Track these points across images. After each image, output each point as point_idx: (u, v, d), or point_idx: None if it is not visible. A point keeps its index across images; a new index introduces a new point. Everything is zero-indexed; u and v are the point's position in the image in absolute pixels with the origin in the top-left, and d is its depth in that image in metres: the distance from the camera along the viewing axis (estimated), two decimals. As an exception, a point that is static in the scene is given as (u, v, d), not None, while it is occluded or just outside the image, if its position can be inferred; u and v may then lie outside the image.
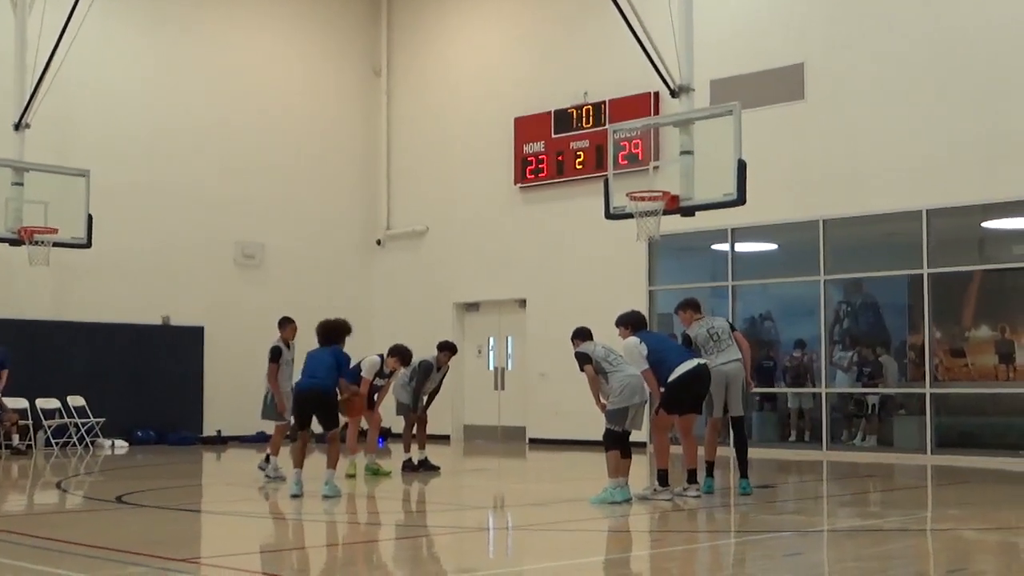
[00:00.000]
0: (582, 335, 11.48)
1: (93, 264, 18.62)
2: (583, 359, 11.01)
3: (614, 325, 11.80)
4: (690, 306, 12.21)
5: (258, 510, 11.59)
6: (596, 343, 11.31)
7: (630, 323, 11.65)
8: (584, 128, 20.71)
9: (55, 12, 17.07)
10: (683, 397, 11.31)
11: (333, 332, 12.21)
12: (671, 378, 11.17)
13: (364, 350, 24.15)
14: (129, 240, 20.12)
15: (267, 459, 13.49)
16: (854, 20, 17.86)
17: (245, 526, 10.45)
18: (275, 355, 13.52)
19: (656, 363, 11.20)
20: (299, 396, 12.01)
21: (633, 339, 11.36)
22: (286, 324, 13.88)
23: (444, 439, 21.06)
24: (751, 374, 12.26)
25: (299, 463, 11.71)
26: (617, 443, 10.97)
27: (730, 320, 15.12)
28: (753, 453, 18.17)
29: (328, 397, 11.83)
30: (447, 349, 15.03)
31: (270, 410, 13.62)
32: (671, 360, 11.27)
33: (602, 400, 11.00)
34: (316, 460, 12.50)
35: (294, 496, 11.46)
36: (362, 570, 8.02)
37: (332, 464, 11.74)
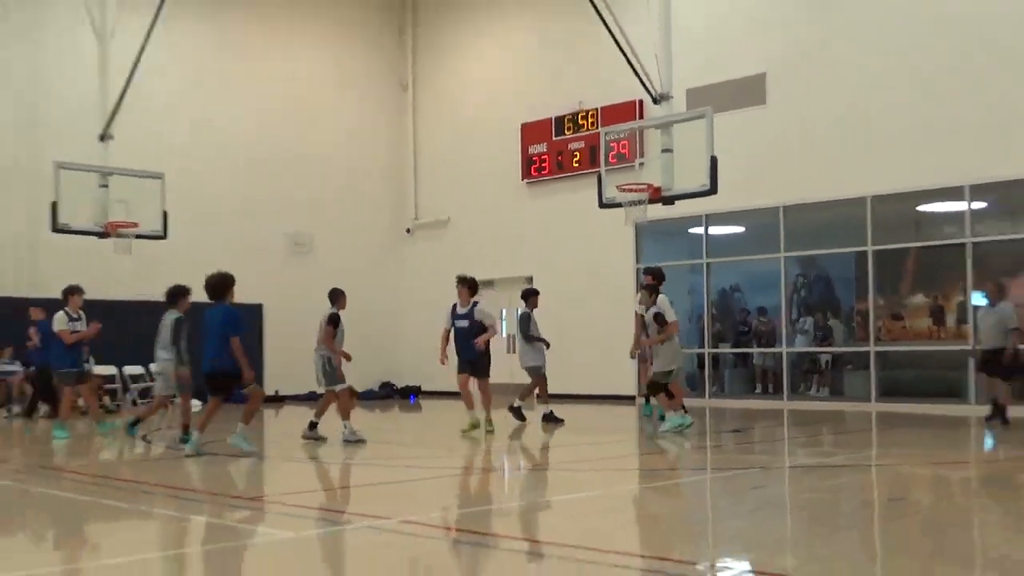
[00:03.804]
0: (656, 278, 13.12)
1: (169, 253, 18.68)
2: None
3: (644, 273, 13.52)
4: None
5: (309, 456, 11.62)
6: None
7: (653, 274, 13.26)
8: (580, 131, 20.73)
9: (132, 39, 17.11)
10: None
11: (223, 287, 11.13)
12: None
13: (397, 322, 24.25)
14: (198, 232, 20.17)
15: (347, 428, 11.93)
16: (807, 37, 17.82)
17: (300, 470, 10.53)
18: (334, 321, 12.21)
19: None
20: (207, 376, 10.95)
21: (664, 297, 12.66)
22: (340, 296, 12.62)
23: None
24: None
25: (203, 426, 10.89)
26: None
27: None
28: (724, 404, 18.40)
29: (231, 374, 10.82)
30: (534, 295, 14.72)
31: (334, 376, 12.14)
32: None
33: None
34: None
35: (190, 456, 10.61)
36: (398, 504, 8.06)
37: (246, 419, 11.00)
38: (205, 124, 21.32)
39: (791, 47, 17.98)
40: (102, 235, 16.92)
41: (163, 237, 17.47)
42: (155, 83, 19.09)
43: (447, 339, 13.19)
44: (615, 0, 14.73)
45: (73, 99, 18.83)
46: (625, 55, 14.17)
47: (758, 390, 18.95)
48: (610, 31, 14.20)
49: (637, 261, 19.57)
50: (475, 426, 12.76)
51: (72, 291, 13.77)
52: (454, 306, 13.18)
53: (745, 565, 5.48)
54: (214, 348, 10.81)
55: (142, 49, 17.13)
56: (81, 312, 13.73)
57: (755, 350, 19.14)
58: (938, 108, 16.22)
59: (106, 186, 17.00)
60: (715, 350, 19.44)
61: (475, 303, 13.06)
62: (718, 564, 5.59)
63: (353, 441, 11.81)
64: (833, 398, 17.81)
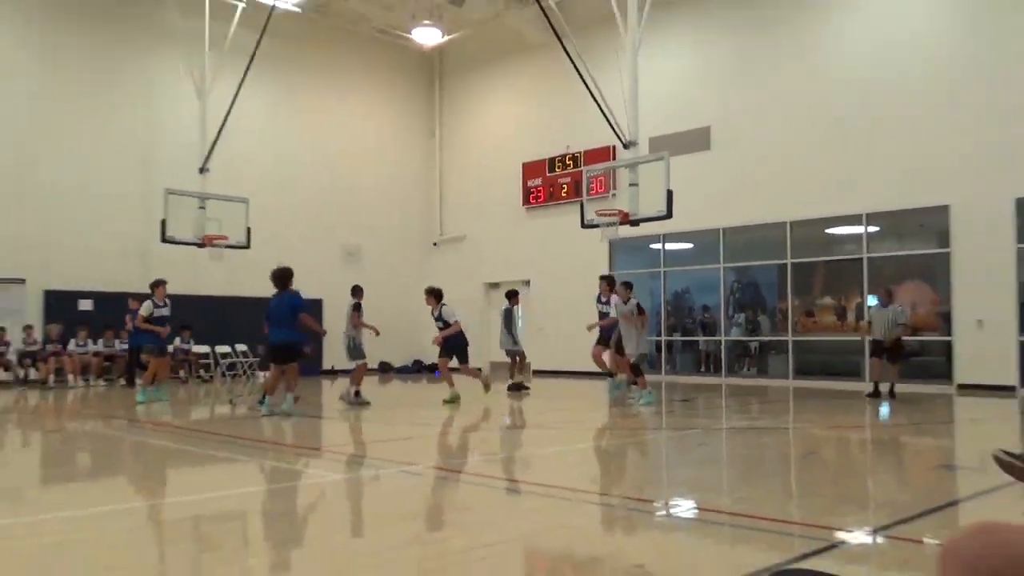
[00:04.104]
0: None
1: (251, 260, 18.66)
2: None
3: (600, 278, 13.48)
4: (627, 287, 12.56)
5: (355, 417, 11.55)
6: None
7: (609, 281, 13.18)
8: (567, 169, 20.64)
9: (224, 96, 17.09)
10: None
11: (287, 277, 10.65)
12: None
13: (426, 315, 24.09)
14: (274, 244, 20.11)
15: (349, 392, 12.17)
16: (742, 99, 17.78)
17: (346, 428, 10.45)
18: (358, 308, 12.27)
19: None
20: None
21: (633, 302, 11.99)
22: (360, 290, 12.74)
23: (475, 371, 21.07)
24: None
25: (273, 391, 10.83)
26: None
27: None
28: (676, 379, 18.28)
29: (293, 346, 10.66)
30: (515, 295, 14.55)
31: (357, 351, 12.21)
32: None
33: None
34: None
35: (267, 415, 10.50)
36: (424, 454, 7.99)
37: (291, 388, 10.86)
38: (280, 161, 21.30)
39: (730, 106, 17.94)
40: (200, 246, 16.92)
41: (247, 247, 17.48)
42: (242, 130, 19.07)
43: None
44: (595, 68, 14.68)
45: (178, 141, 18.82)
46: (602, 110, 14.12)
47: (702, 369, 18.88)
48: (591, 92, 14.15)
49: (610, 269, 19.51)
50: (454, 400, 12.43)
51: (158, 283, 13.08)
52: (431, 310, 13.01)
53: (691, 503, 5.40)
54: (281, 326, 10.71)
55: (232, 104, 17.13)
56: (167, 300, 13.09)
57: (700, 338, 19.05)
58: (842, 155, 16.19)
59: (203, 208, 17.00)
60: (669, 338, 19.35)
61: (443, 306, 12.84)
62: (670, 502, 5.51)
63: (356, 404, 11.76)
64: (760, 376, 17.72)
